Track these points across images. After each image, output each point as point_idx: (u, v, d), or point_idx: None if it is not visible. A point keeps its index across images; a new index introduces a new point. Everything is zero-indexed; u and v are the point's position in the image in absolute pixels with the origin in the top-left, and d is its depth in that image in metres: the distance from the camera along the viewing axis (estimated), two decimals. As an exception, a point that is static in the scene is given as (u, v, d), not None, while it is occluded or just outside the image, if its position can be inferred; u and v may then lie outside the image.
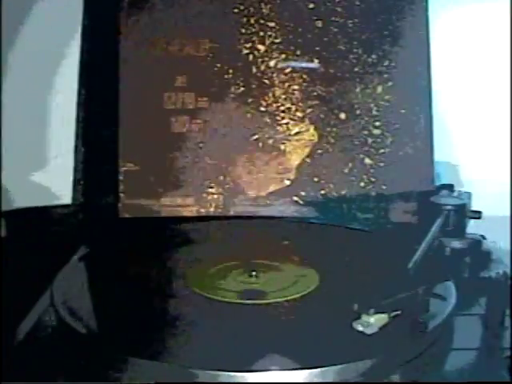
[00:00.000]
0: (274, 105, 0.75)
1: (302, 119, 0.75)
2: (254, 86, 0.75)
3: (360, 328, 0.51)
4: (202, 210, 0.74)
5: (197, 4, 0.74)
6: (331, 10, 0.74)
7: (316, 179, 0.74)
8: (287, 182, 0.75)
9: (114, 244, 0.68)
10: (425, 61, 0.74)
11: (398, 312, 0.52)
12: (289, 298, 0.57)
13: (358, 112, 0.74)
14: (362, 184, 0.74)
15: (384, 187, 0.74)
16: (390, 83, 0.74)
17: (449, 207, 0.66)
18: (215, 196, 0.74)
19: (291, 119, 0.75)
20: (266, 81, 0.75)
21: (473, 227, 0.67)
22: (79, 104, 0.75)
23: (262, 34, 0.75)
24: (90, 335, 0.52)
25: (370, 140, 0.74)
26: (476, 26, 0.77)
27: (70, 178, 0.75)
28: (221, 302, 0.56)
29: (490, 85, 0.77)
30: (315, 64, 0.75)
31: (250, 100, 0.75)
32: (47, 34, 0.77)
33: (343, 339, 0.50)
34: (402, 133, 0.74)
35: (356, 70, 0.74)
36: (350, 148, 0.74)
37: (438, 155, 0.74)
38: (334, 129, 0.75)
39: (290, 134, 0.75)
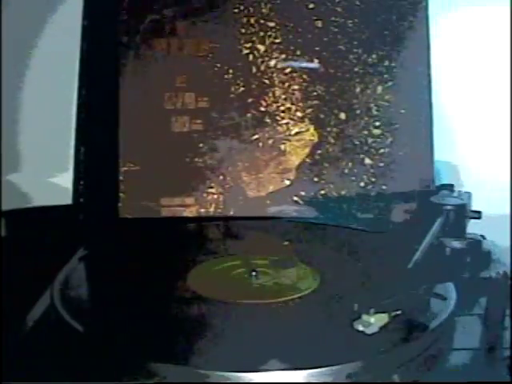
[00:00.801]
0: (274, 105, 0.75)
1: (301, 119, 0.75)
2: (253, 86, 0.75)
3: (360, 328, 0.51)
4: (202, 210, 0.74)
5: (197, 4, 0.74)
6: (331, 10, 0.74)
7: (316, 179, 0.74)
8: (287, 182, 0.75)
9: (114, 244, 0.67)
10: (425, 61, 0.74)
11: (398, 312, 0.52)
12: (289, 298, 0.57)
13: (357, 112, 0.74)
14: (362, 184, 0.74)
15: (384, 187, 0.74)
16: (389, 83, 0.74)
17: (449, 207, 0.66)
18: (215, 196, 0.74)
19: (291, 119, 0.75)
20: (266, 81, 0.75)
21: (473, 227, 0.67)
22: (79, 104, 0.75)
23: (262, 34, 0.75)
24: (90, 335, 0.52)
25: (370, 140, 0.74)
26: (476, 26, 0.77)
27: (70, 178, 0.75)
28: (221, 302, 0.56)
29: (490, 85, 0.77)
30: (315, 64, 0.75)
31: (249, 100, 0.75)
32: (47, 34, 0.77)
33: (343, 339, 0.50)
34: (401, 133, 0.74)
35: (356, 69, 0.74)
36: (350, 148, 0.74)
37: (438, 155, 0.74)
38: (334, 129, 0.75)
39: (290, 134, 0.75)
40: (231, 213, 0.74)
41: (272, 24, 0.75)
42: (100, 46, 0.75)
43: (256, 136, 0.75)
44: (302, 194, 0.74)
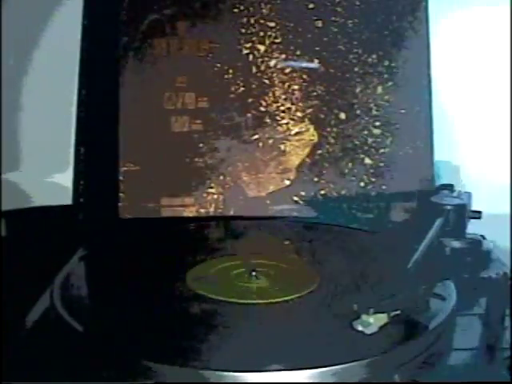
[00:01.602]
0: (274, 105, 0.75)
1: (301, 119, 0.75)
2: (253, 86, 0.75)
3: (360, 328, 0.51)
4: (202, 210, 0.74)
5: (197, 4, 0.74)
6: (331, 10, 0.75)
7: (316, 179, 0.74)
8: (287, 182, 0.75)
9: (114, 244, 0.67)
10: (425, 61, 0.74)
11: (398, 312, 0.52)
12: (289, 297, 0.57)
13: (358, 112, 0.74)
14: (362, 184, 0.74)
15: (384, 187, 0.74)
16: (389, 83, 0.74)
17: (449, 207, 0.66)
18: (215, 196, 0.74)
19: (291, 119, 0.75)
20: (266, 81, 0.75)
21: (473, 227, 0.67)
22: (79, 104, 0.75)
23: (262, 34, 0.75)
24: (90, 335, 0.52)
25: (370, 140, 0.74)
26: (476, 26, 0.77)
27: (70, 178, 0.75)
28: (221, 302, 0.56)
29: (490, 85, 0.77)
30: (315, 64, 0.75)
31: (249, 100, 0.75)
32: (47, 34, 0.77)
33: (343, 339, 0.50)
34: (402, 133, 0.74)
35: (356, 69, 0.74)
36: (350, 148, 0.74)
37: (438, 155, 0.74)
38: (334, 129, 0.75)
39: (290, 134, 0.75)
40: (231, 213, 0.74)
41: (272, 24, 0.75)
42: (100, 45, 0.75)
43: (256, 136, 0.75)
44: (302, 193, 0.74)
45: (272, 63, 0.75)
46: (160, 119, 0.74)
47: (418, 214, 0.72)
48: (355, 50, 0.74)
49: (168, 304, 0.56)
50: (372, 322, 0.51)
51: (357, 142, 0.74)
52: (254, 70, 0.75)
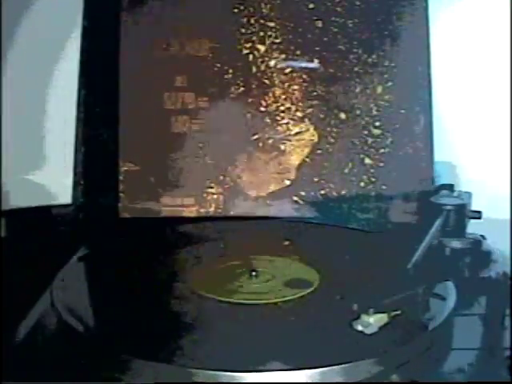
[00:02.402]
0: (274, 105, 0.75)
1: (301, 119, 0.75)
2: (253, 86, 0.75)
3: (360, 328, 0.51)
4: (202, 210, 0.74)
5: (197, 4, 0.74)
6: (331, 10, 0.74)
7: (316, 179, 0.74)
8: (287, 182, 0.75)
9: (113, 244, 0.68)
10: (425, 61, 0.74)
11: (398, 312, 0.52)
12: (289, 298, 0.57)
13: (358, 112, 0.74)
14: (362, 184, 0.74)
15: (384, 187, 0.74)
16: (389, 83, 0.74)
17: (449, 207, 0.66)
18: (215, 196, 0.74)
19: (291, 119, 0.75)
20: (266, 81, 0.75)
21: (473, 227, 0.67)
22: (79, 104, 0.75)
23: (262, 34, 0.75)
24: (90, 335, 0.52)
25: (370, 140, 0.74)
26: (476, 26, 0.77)
27: (70, 178, 0.75)
28: (221, 302, 0.56)
29: (489, 85, 0.77)
30: (315, 64, 0.75)
31: (249, 100, 0.75)
32: (47, 34, 0.77)
33: (343, 339, 0.50)
34: (401, 133, 0.74)
35: (356, 69, 0.74)
36: (349, 148, 0.74)
37: (438, 155, 0.74)
38: (334, 129, 0.75)
39: (290, 134, 0.75)
40: (231, 213, 0.74)
41: (272, 24, 0.75)
42: (100, 45, 0.75)
43: (256, 136, 0.75)
44: (302, 194, 0.74)
45: (272, 63, 0.75)
46: (160, 119, 0.74)
47: (417, 214, 0.72)
48: (355, 50, 0.74)
49: (168, 304, 0.56)
50: (372, 322, 0.51)
51: (357, 142, 0.74)
52: (254, 69, 0.75)
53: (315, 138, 0.75)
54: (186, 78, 0.74)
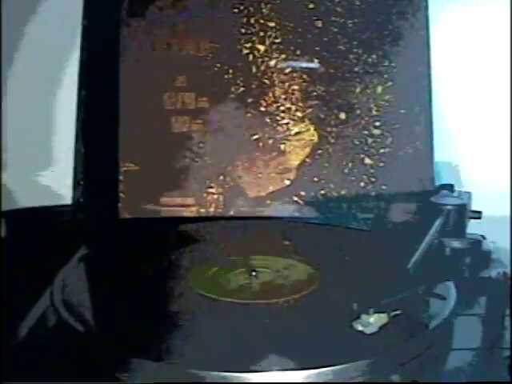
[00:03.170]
0: (274, 105, 0.75)
1: (301, 119, 0.75)
2: (253, 86, 0.75)
3: (360, 328, 0.51)
4: (202, 210, 0.74)
5: (197, 4, 0.74)
6: (331, 10, 0.74)
7: (316, 179, 0.74)
8: (287, 182, 0.75)
9: (114, 244, 0.67)
10: (425, 61, 0.74)
11: (398, 312, 0.52)
12: (289, 297, 0.57)
13: (358, 112, 0.74)
14: (362, 184, 0.74)
15: (384, 187, 0.74)
16: (389, 83, 0.74)
17: (449, 207, 0.66)
18: (215, 196, 0.74)
19: (291, 119, 0.75)
20: (266, 81, 0.75)
21: (473, 227, 0.67)
22: (79, 104, 0.75)
23: (262, 34, 0.75)
24: (90, 335, 0.52)
25: (370, 140, 0.74)
26: (476, 26, 0.77)
27: (71, 178, 0.75)
28: (221, 302, 0.56)
29: (490, 85, 0.77)
30: (315, 64, 0.75)
31: (249, 100, 0.75)
32: (47, 35, 0.77)
33: (343, 339, 0.50)
34: (401, 133, 0.74)
35: (356, 69, 0.74)
36: (350, 148, 0.74)
37: (438, 155, 0.74)
38: (334, 129, 0.75)
39: (290, 134, 0.75)
40: (231, 213, 0.74)
41: (272, 24, 0.75)
42: (100, 45, 0.75)
43: (256, 136, 0.75)
44: (302, 194, 0.74)
45: (272, 63, 0.75)
46: (160, 119, 0.74)
47: (417, 214, 0.72)
48: (355, 50, 0.74)
49: (168, 304, 0.56)
50: (372, 322, 0.51)
51: (357, 142, 0.74)
52: (254, 69, 0.75)
53: (315, 138, 0.75)
54: (186, 78, 0.74)
